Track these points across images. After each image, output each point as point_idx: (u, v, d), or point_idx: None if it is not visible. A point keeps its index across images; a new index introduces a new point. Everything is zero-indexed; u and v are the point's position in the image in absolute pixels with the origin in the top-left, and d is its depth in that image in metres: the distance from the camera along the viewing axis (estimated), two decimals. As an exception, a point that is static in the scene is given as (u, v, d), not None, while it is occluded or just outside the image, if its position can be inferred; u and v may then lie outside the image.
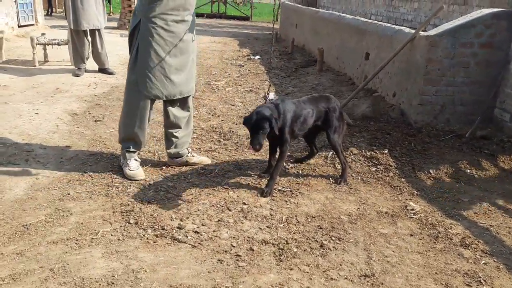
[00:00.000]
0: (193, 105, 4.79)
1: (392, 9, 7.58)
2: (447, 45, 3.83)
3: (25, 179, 2.86)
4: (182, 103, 3.08)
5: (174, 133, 3.10)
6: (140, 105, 2.90)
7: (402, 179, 3.23)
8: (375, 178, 3.26)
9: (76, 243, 2.22)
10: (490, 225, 2.62)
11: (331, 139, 3.10)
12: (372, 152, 3.56)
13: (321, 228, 2.51)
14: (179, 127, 3.09)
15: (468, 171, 3.38)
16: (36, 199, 2.63)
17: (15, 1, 8.79)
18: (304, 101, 3.07)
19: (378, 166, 3.41)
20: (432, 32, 3.91)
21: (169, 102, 3.01)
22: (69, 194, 2.71)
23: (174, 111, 3.04)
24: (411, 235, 2.48)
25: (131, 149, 3.02)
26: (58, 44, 6.20)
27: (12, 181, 2.82)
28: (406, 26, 5.71)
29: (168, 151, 3.17)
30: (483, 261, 2.25)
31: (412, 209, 2.78)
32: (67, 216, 2.47)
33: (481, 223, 2.66)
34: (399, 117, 4.29)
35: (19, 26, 9.05)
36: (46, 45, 6.28)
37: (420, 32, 4.08)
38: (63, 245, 2.20)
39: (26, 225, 2.35)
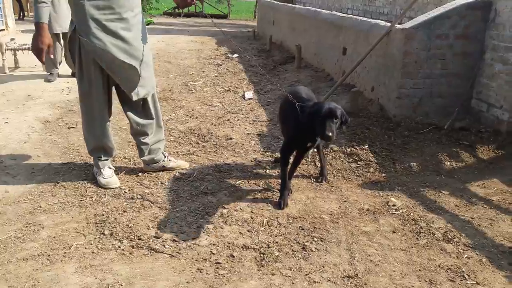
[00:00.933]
0: (171, 107, 4.72)
1: (368, 2, 7.58)
2: (423, 37, 3.82)
3: (-6, 193, 2.74)
4: (143, 108, 2.93)
5: (143, 140, 2.98)
6: (96, 113, 2.80)
7: (383, 174, 3.21)
8: (356, 174, 3.22)
9: (47, 259, 2.12)
10: (472, 218, 2.61)
11: None
12: (352, 148, 3.53)
13: (303, 229, 2.46)
14: (146, 134, 2.97)
15: (448, 163, 3.38)
16: (5, 213, 2.51)
17: (-18, 6, 8.51)
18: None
19: (359, 162, 3.38)
20: (408, 24, 3.90)
21: (128, 108, 2.87)
22: (40, 206, 2.60)
23: (136, 118, 2.91)
24: (394, 232, 2.45)
25: (103, 158, 2.92)
26: (29, 49, 5.99)
27: (-20, 196, 2.70)
28: (382, 20, 5.71)
29: (142, 158, 3.07)
30: (465, 255, 2.23)
31: (394, 205, 2.75)
32: (38, 230, 2.36)
33: (462, 215, 2.65)
34: (378, 111, 4.27)
35: (-12, 32, 8.77)
36: (16, 51, 6.07)
37: (396, 25, 4.07)
38: (34, 261, 2.09)
39: (-6, 242, 2.23)
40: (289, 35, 7.96)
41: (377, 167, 3.32)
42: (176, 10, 18.23)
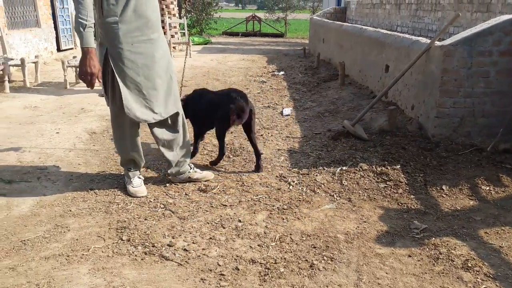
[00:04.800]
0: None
1: (416, 19, 7.35)
2: (463, 54, 3.64)
3: (33, 196, 2.99)
4: (168, 124, 3.02)
5: (169, 154, 3.08)
6: (126, 131, 2.94)
7: (411, 196, 3.08)
8: (382, 195, 3.12)
9: (66, 259, 2.27)
10: (500, 246, 2.42)
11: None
12: (383, 168, 3.42)
13: (315, 247, 2.43)
14: (173, 148, 3.07)
15: (485, 187, 3.16)
16: (39, 215, 2.73)
17: (55, 28, 9.36)
18: None
19: (388, 183, 3.27)
20: (447, 41, 3.75)
21: (153, 124, 2.96)
22: (70, 210, 2.80)
23: (162, 134, 3.00)
24: (409, 256, 2.34)
25: (132, 169, 3.08)
26: (88, 66, 6.49)
27: (21, 198, 2.96)
28: (430, 36, 5.53)
29: (169, 171, 3.18)
30: (483, 286, 2.07)
31: (416, 228, 2.62)
32: (64, 232, 2.54)
33: (491, 243, 2.46)
34: (416, 130, 4.11)
35: (59, 50, 9.62)
36: (77, 68, 6.60)
37: (436, 42, 3.92)
38: (54, 260, 2.26)
39: (24, 240, 2.44)
40: (336, 53, 7.92)
41: (407, 188, 3.19)
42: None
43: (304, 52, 10.59)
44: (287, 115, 5.13)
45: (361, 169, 3.45)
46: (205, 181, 3.26)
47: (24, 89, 6.35)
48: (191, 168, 3.23)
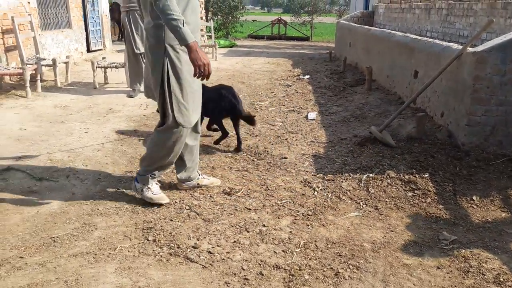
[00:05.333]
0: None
1: (447, 24, 7.20)
2: (497, 61, 3.54)
3: (63, 194, 3.06)
4: (194, 128, 2.99)
5: (186, 160, 3.04)
6: (178, 140, 2.80)
7: (440, 206, 3.00)
8: (410, 204, 3.05)
9: (93, 257, 2.31)
10: (535, 262, 2.33)
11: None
12: (411, 176, 3.35)
13: (340, 255, 2.39)
14: (193, 154, 3.05)
15: (519, 199, 3.06)
16: (68, 213, 2.79)
17: (85, 29, 9.59)
18: None
19: (416, 191, 3.20)
20: (480, 48, 3.65)
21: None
22: (98, 209, 2.85)
23: (188, 138, 2.95)
24: (438, 268, 2.28)
25: (156, 175, 2.97)
26: (116, 67, 6.64)
27: (51, 195, 3.03)
28: (462, 42, 5.40)
29: (179, 175, 3.10)
30: (517, 302, 2.00)
31: (445, 239, 2.56)
32: (92, 230, 2.59)
33: (524, 258, 2.37)
34: (446, 138, 4.02)
35: (88, 51, 9.85)
36: (106, 68, 6.75)
37: (468, 48, 3.82)
38: (82, 258, 2.30)
39: (53, 237, 2.49)
40: (363, 57, 7.83)
41: (435, 197, 3.11)
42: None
43: (330, 56, 10.52)
44: (312, 120, 5.10)
45: (388, 176, 3.39)
46: (215, 186, 3.22)
47: (55, 89, 6.52)
48: (199, 174, 3.21)
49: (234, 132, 4.10)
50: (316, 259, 2.35)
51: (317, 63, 10.21)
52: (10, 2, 6.76)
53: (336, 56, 10.82)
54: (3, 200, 2.94)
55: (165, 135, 2.78)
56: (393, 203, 3.07)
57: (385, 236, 2.61)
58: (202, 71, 2.48)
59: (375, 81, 6.53)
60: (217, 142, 4.19)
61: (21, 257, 2.30)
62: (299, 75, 8.37)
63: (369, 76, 6.20)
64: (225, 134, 4.13)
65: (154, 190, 2.92)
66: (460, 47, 4.01)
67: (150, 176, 2.91)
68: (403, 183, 3.31)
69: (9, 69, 6.15)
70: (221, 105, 3.92)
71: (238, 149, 4.02)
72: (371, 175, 3.41)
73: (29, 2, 7.29)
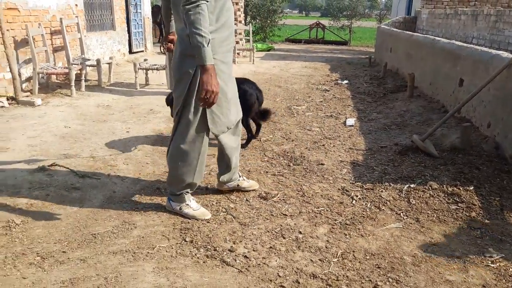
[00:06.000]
0: (270, 129, 4.88)
1: (495, 32, 6.90)
2: (552, 71, 3.35)
3: (104, 192, 3.14)
4: (234, 130, 2.94)
5: (229, 162, 3.01)
6: (202, 148, 2.70)
7: (486, 221, 2.86)
8: (453, 217, 2.93)
9: (132, 256, 2.35)
10: None
11: None
12: (455, 188, 3.22)
13: (379, 267, 2.32)
14: (235, 155, 3.01)
15: None
16: (109, 210, 2.86)
17: (128, 31, 9.88)
18: None
19: (460, 204, 3.07)
20: (533, 56, 3.47)
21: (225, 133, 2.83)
22: (138, 208, 2.91)
23: (229, 141, 2.89)
24: (484, 286, 2.17)
25: (189, 191, 2.86)
26: (157, 69, 6.79)
27: (93, 193, 3.12)
28: (511, 50, 5.16)
29: (221, 178, 3.08)
30: None
31: (491, 256, 2.43)
32: (131, 229, 2.64)
33: None
34: (492, 150, 3.84)
35: (130, 53, 10.13)
36: (147, 70, 6.91)
37: (520, 56, 3.64)
38: (121, 256, 2.35)
39: (94, 234, 2.56)
40: (404, 63, 7.63)
41: (481, 212, 2.97)
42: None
43: (370, 61, 10.34)
44: (350, 126, 5.01)
45: (430, 187, 3.27)
46: (252, 190, 3.21)
47: (98, 88, 6.75)
48: (240, 176, 3.21)
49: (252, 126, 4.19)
50: (354, 270, 2.29)
51: (356, 68, 10.05)
52: (59, 4, 7.06)
53: (375, 61, 10.62)
54: (48, 195, 3.06)
55: (188, 146, 2.67)
56: (435, 215, 2.95)
57: (426, 249, 2.52)
58: (207, 98, 2.36)
59: (416, 88, 6.35)
60: (244, 145, 4.14)
61: (64, 252, 2.37)
62: (337, 80, 8.27)
63: (411, 83, 6.03)
64: (251, 135, 4.20)
65: (193, 206, 2.83)
66: (511, 55, 3.83)
67: (185, 193, 2.82)
68: (446, 195, 3.18)
69: (56, 69, 6.42)
70: (249, 101, 3.93)
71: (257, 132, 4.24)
72: (412, 185, 3.30)
73: (76, 5, 7.58)
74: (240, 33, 11.99)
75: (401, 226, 2.78)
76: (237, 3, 11.46)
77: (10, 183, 3.23)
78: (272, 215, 2.86)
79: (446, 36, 8.71)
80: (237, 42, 11.49)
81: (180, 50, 2.57)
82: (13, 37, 5.95)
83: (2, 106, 5.42)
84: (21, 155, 3.81)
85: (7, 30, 5.66)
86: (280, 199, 3.10)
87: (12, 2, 5.96)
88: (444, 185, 3.29)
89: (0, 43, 5.68)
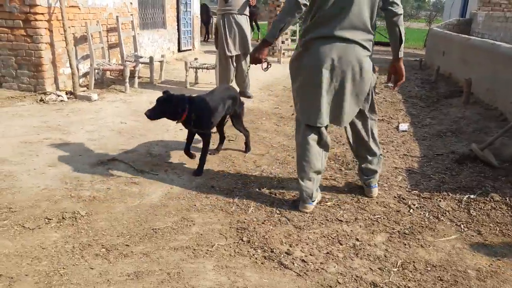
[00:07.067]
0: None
1: None
2: None
3: (162, 187, 3.24)
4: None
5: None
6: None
7: (555, 238, 2.71)
8: (518, 232, 2.80)
9: (193, 252, 2.41)
10: None
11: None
12: (519, 201, 3.08)
13: (442, 280, 2.26)
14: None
15: None
16: (167, 206, 2.94)
17: (177, 29, 10.10)
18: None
19: (525, 219, 2.93)
20: None
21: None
22: (195, 205, 2.97)
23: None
24: (558, 309, 2.06)
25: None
26: (207, 68, 6.90)
27: (151, 188, 3.22)
28: None
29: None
30: None
31: None
32: (190, 225, 2.70)
33: None
34: (560, 163, 3.63)
35: (179, 51, 10.35)
36: (197, 69, 7.04)
37: None
38: (182, 252, 2.41)
39: (155, 229, 2.64)
40: (459, 67, 7.35)
41: (548, 228, 2.82)
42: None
43: (420, 64, 10.03)
44: (403, 131, 4.89)
45: (492, 199, 3.14)
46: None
47: (150, 85, 6.94)
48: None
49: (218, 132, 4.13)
50: (415, 281, 2.24)
51: (405, 70, 9.75)
52: (115, 3, 7.31)
53: (426, 64, 10.30)
54: (109, 189, 3.18)
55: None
56: (498, 229, 2.83)
57: (491, 264, 2.42)
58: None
59: (472, 94, 6.10)
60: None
61: (127, 245, 2.46)
62: (386, 82, 8.08)
63: (468, 89, 5.80)
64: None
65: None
66: None
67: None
68: (509, 208, 3.05)
69: (111, 65, 6.66)
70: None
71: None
72: (472, 196, 3.18)
73: (131, 3, 7.83)
74: (286, 33, 11.96)
75: (462, 238, 2.69)
76: (278, 6, 11.42)
77: (73, 176, 3.38)
78: (327, 220, 2.84)
79: (505, 40, 8.30)
80: (282, 42, 11.48)
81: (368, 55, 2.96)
82: (73, 34, 6.23)
83: (61, 100, 5.69)
84: (81, 149, 3.99)
85: (69, 27, 5.93)
86: (334, 204, 3.07)
87: (74, 0, 6.24)
88: (507, 198, 3.15)
89: (62, 39, 5.97)
